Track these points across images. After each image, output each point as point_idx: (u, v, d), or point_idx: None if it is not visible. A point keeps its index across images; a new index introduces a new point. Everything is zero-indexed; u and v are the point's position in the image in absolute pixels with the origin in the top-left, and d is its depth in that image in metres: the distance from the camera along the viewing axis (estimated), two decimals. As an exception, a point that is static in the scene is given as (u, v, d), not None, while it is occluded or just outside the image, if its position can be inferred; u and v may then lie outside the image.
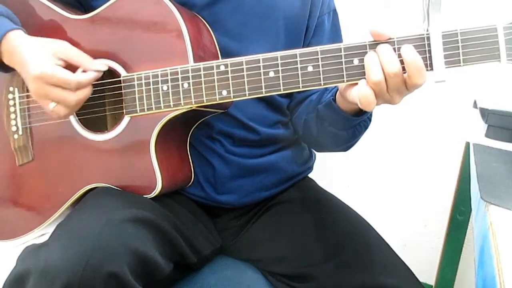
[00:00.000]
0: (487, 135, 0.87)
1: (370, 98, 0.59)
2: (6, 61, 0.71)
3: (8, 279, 0.58)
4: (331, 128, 0.75)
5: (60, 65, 0.68)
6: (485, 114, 0.87)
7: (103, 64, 0.72)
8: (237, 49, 0.77)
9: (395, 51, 0.59)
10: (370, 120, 0.77)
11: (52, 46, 0.69)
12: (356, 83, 0.61)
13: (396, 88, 0.59)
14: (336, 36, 0.88)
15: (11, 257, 0.63)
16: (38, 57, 0.67)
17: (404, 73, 0.58)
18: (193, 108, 0.69)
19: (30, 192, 0.80)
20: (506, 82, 0.98)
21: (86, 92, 0.70)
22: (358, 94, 0.60)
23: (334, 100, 0.71)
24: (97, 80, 0.73)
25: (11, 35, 0.69)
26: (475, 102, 0.99)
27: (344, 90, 0.66)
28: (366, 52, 0.60)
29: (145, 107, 0.71)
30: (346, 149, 0.82)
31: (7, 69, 0.73)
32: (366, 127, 0.77)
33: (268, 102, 0.83)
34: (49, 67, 0.66)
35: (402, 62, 0.58)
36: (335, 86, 0.70)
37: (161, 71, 0.69)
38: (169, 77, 0.69)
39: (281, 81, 0.64)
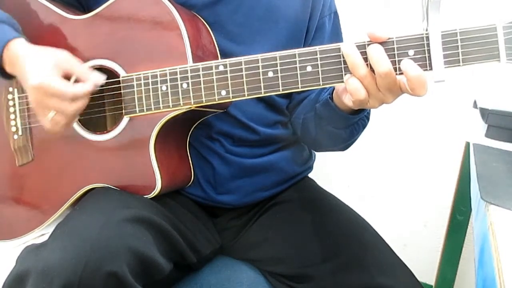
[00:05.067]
0: (487, 135, 0.87)
1: (360, 91, 0.60)
2: (8, 70, 0.71)
3: (8, 279, 0.58)
4: (329, 127, 0.75)
5: (61, 75, 0.68)
6: (485, 114, 0.87)
7: (101, 76, 0.71)
8: (237, 51, 0.76)
9: (394, 57, 0.59)
10: (368, 118, 0.77)
11: (53, 57, 0.69)
12: None
13: (389, 88, 0.59)
14: (337, 38, 0.88)
15: (11, 257, 0.63)
16: (38, 68, 0.67)
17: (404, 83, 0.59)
18: (192, 108, 0.69)
19: (30, 192, 0.80)
20: (506, 82, 0.97)
21: (82, 103, 0.69)
22: (348, 87, 0.61)
23: (331, 98, 0.71)
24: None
25: (13, 44, 0.69)
26: (475, 102, 0.99)
27: (341, 93, 0.66)
28: (365, 52, 0.60)
29: (144, 108, 0.71)
30: (344, 148, 0.82)
31: (9, 76, 0.73)
32: (364, 126, 0.77)
33: (267, 102, 0.83)
34: (47, 78, 0.66)
35: (399, 69, 0.58)
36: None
37: (160, 71, 0.69)
38: (168, 78, 0.69)
39: (280, 81, 0.64)
